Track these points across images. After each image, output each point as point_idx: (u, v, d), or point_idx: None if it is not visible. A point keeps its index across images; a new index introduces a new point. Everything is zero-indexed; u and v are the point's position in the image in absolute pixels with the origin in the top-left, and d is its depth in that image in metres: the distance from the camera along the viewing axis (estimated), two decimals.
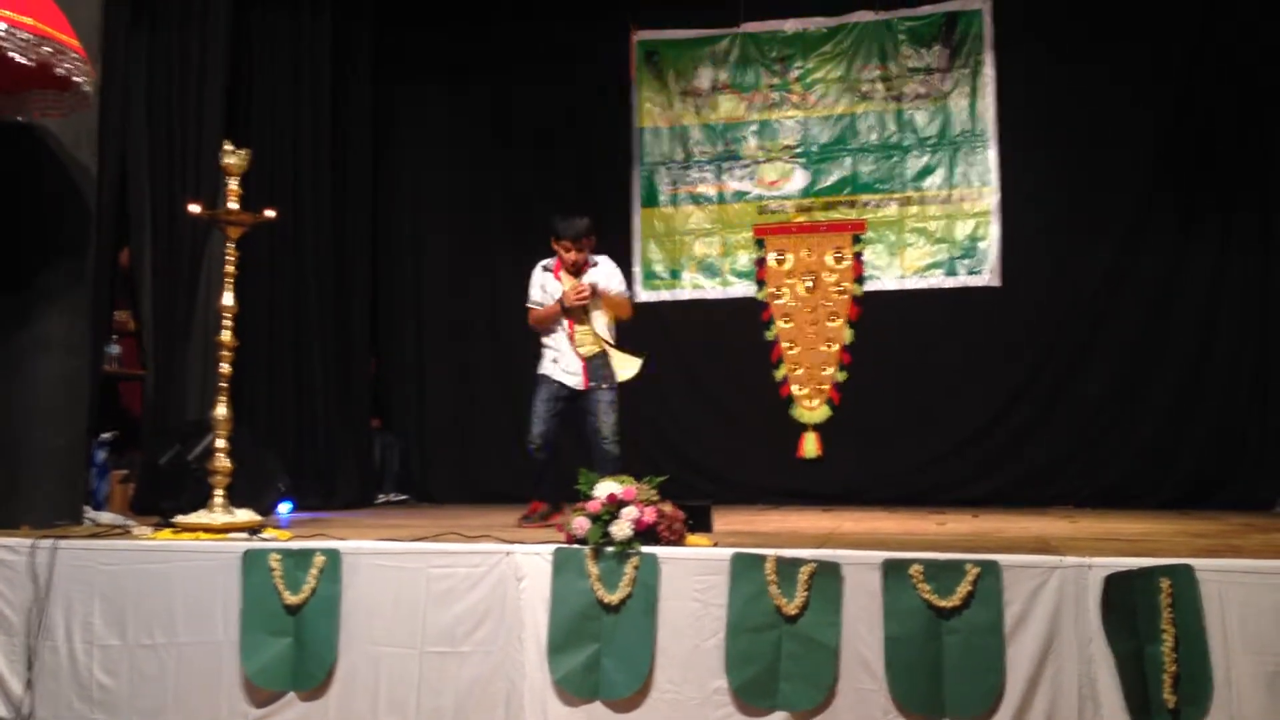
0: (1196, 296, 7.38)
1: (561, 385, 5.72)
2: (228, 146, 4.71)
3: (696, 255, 8.34)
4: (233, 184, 4.68)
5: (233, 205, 4.66)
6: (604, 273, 5.82)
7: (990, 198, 7.86)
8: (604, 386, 5.70)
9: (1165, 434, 7.34)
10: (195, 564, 4.18)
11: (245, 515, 4.55)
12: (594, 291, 5.67)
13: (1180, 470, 7.25)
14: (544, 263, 5.86)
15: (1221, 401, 7.27)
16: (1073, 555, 3.60)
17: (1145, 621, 3.40)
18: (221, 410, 4.63)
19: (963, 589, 3.57)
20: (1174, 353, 7.38)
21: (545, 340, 5.81)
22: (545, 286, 5.82)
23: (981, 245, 7.87)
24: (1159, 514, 6.50)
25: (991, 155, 7.88)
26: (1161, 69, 7.46)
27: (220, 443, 4.60)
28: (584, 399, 5.72)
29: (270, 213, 4.76)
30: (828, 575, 3.70)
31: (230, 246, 4.72)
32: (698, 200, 8.38)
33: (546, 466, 5.74)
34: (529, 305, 5.84)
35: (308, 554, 4.07)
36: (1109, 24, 7.53)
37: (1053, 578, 3.53)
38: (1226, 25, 7.29)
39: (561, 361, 5.73)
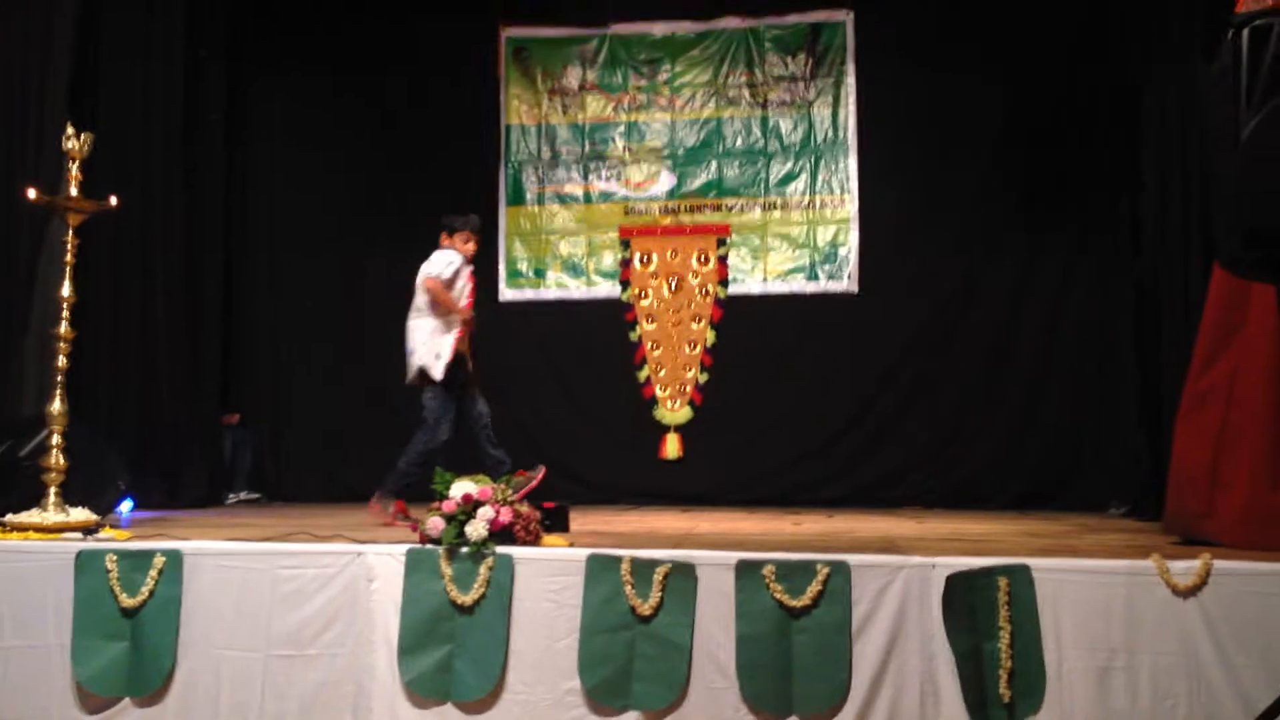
0: (1042, 304, 7.68)
1: (447, 387, 5.72)
2: (69, 130, 4.53)
3: (562, 254, 8.32)
4: (74, 169, 4.52)
5: (73, 191, 4.49)
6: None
7: (851, 205, 8.04)
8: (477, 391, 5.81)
9: (1011, 438, 7.61)
10: (25, 564, 4.00)
11: (80, 514, 4.38)
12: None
13: (1024, 472, 7.52)
14: (464, 257, 5.89)
15: (1063, 407, 7.57)
16: (918, 555, 3.69)
17: (984, 619, 3.50)
18: (57, 405, 4.46)
19: (813, 589, 3.62)
20: (1020, 359, 7.67)
21: (436, 337, 5.72)
22: (460, 273, 5.83)
23: (842, 251, 8.03)
24: (1003, 515, 6.73)
25: (852, 163, 8.06)
26: (1013, 83, 7.72)
27: (55, 439, 4.43)
28: (464, 402, 5.76)
29: (114, 200, 4.60)
30: (682, 576, 3.72)
31: (70, 235, 4.55)
32: (564, 200, 8.37)
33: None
34: (442, 277, 5.76)
35: (146, 555, 3.93)
36: (964, 39, 7.77)
37: (898, 577, 3.61)
38: (1073, 41, 7.58)
39: (443, 357, 5.70)
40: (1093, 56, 7.46)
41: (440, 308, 5.74)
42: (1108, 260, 7.48)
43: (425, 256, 6.91)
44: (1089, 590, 3.51)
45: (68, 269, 4.54)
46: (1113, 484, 6.98)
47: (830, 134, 8.12)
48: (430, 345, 5.72)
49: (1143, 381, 6.67)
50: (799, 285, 8.09)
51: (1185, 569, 3.46)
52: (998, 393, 7.68)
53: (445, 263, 5.81)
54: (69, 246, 4.56)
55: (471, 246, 5.91)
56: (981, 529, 5.45)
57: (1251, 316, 4.13)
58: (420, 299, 5.80)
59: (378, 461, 7.73)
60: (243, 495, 7.75)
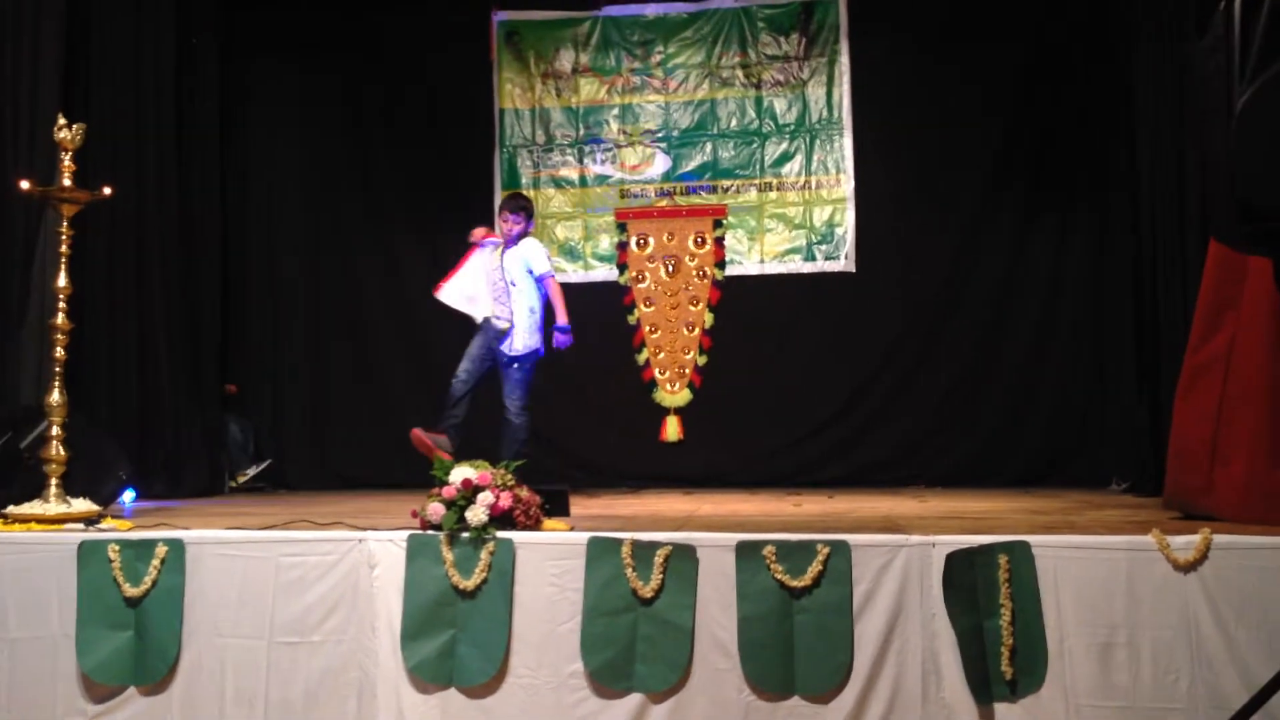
0: (1039, 282, 7.68)
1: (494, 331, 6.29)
2: (61, 121, 4.52)
3: (558, 238, 8.31)
4: (67, 160, 4.51)
5: (67, 182, 4.49)
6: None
7: (846, 185, 8.02)
8: (514, 364, 6.33)
9: (1011, 415, 7.61)
10: (28, 556, 4.00)
11: (82, 505, 4.39)
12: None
13: (1024, 450, 7.53)
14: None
15: (1062, 384, 7.58)
16: (918, 534, 3.69)
17: (985, 597, 3.51)
18: (56, 396, 4.46)
19: (814, 569, 3.63)
20: (1019, 336, 7.67)
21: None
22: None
23: (838, 231, 8.02)
24: (1004, 492, 6.73)
25: (847, 143, 8.03)
26: (1006, 63, 7.71)
27: (54, 430, 4.43)
28: (500, 370, 6.27)
29: (107, 190, 4.59)
30: (683, 558, 3.73)
31: (65, 225, 4.54)
32: (559, 183, 8.35)
33: (458, 403, 6.17)
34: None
35: (149, 544, 3.93)
36: (959, 20, 7.75)
37: (899, 556, 3.62)
38: (1067, 14, 7.56)
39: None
40: (1087, 28, 7.44)
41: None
42: (1105, 234, 7.48)
43: (421, 243, 7.07)
44: (1090, 566, 3.51)
45: (63, 260, 4.53)
46: (1114, 460, 6.98)
47: (825, 113, 8.09)
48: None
49: (1142, 357, 6.67)
50: (796, 266, 8.08)
51: (1185, 544, 3.47)
52: (997, 370, 7.69)
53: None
54: (63, 237, 4.55)
55: (507, 225, 6.53)
56: (982, 507, 5.46)
57: (1248, 289, 4.13)
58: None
59: (377, 451, 7.81)
60: (250, 474, 7.69)
